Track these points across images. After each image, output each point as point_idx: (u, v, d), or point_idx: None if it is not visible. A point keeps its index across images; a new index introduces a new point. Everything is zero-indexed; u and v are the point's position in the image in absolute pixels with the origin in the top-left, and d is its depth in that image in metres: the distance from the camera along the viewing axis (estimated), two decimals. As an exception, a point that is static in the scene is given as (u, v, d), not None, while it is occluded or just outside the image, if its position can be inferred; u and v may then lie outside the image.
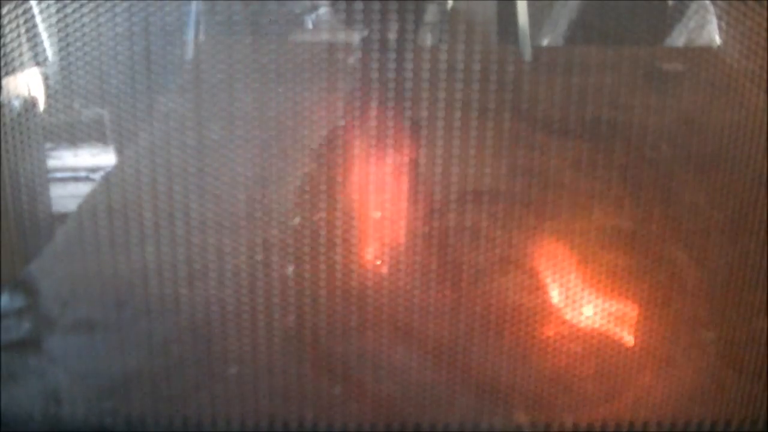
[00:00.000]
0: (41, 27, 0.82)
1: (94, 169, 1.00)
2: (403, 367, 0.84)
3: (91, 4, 0.78)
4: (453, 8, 0.97)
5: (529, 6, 0.98)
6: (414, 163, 0.85)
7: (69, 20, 0.78)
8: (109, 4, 0.77)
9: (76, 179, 1.04)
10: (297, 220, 0.85)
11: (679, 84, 0.90)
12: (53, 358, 0.89)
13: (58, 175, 0.95)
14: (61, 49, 0.80)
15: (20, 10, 0.80)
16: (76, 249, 0.89)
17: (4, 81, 0.84)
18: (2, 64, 0.81)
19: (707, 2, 0.93)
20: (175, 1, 0.82)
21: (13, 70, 0.84)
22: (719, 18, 0.91)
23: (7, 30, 0.80)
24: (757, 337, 0.84)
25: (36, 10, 0.82)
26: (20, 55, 0.83)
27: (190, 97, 0.85)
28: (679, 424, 0.83)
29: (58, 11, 0.78)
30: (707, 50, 0.93)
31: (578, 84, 0.83)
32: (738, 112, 0.81)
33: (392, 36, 0.77)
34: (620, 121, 0.86)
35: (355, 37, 0.80)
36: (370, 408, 0.84)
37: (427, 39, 0.88)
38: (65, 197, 0.95)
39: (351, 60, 0.79)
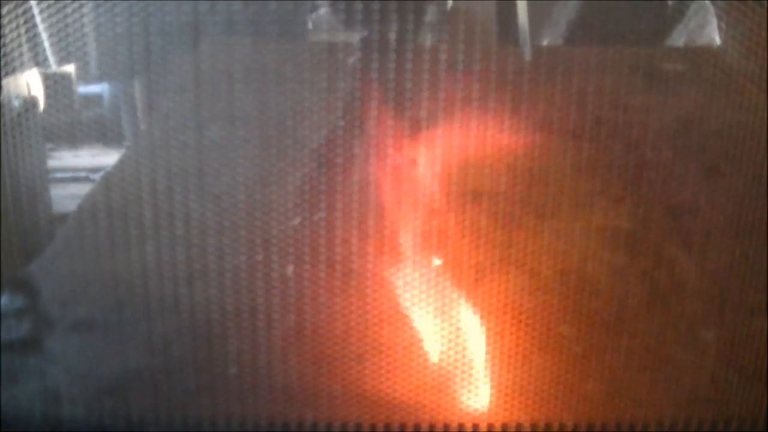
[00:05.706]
0: (41, 27, 0.82)
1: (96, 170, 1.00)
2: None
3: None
4: (453, 8, 0.97)
5: (529, 6, 0.98)
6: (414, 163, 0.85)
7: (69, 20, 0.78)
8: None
9: (76, 179, 1.04)
10: (297, 220, 0.85)
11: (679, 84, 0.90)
12: (53, 358, 0.89)
13: (58, 175, 0.95)
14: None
15: (20, 10, 0.80)
16: (76, 249, 0.89)
17: (4, 81, 0.84)
18: (2, 64, 0.81)
19: (707, 2, 0.93)
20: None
21: (13, 70, 0.84)
22: (719, 18, 0.91)
23: (7, 30, 0.80)
24: (757, 337, 0.84)
25: (36, 10, 0.82)
26: (20, 55, 0.83)
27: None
28: (679, 424, 0.83)
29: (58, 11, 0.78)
30: (707, 50, 0.93)
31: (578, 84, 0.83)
32: (738, 112, 0.81)
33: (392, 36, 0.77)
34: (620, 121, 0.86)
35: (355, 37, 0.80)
36: (371, 407, 0.84)
37: (427, 39, 0.88)
38: (65, 197, 0.95)
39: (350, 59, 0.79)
